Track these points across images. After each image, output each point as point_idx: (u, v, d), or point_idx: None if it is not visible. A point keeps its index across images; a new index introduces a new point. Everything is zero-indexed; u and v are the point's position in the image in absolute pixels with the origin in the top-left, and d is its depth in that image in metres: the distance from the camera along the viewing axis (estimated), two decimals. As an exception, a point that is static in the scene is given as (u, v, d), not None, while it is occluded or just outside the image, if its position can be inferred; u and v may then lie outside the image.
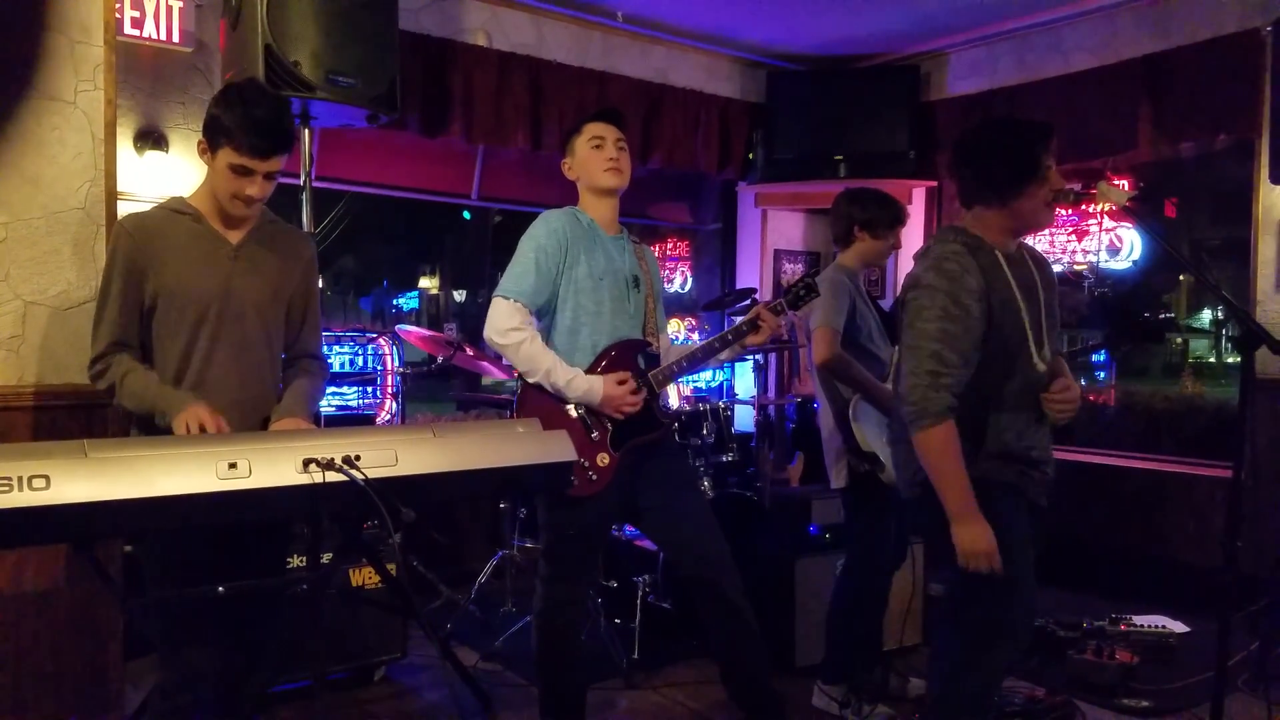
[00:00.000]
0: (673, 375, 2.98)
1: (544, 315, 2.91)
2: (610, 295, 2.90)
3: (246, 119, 2.33)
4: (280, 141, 2.39)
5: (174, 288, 2.41)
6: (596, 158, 2.93)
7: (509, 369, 4.80)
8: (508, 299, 2.82)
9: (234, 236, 2.50)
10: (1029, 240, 2.73)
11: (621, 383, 2.84)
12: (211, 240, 2.47)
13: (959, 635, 2.54)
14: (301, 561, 3.36)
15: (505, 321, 2.81)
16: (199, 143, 2.43)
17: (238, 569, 2.32)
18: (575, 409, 2.84)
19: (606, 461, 2.84)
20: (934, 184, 6.07)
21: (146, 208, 2.58)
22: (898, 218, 3.56)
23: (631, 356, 2.94)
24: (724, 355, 3.07)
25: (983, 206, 2.51)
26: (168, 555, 2.35)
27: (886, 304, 3.81)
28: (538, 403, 2.84)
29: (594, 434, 2.84)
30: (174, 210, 2.48)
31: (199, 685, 2.35)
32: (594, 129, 2.96)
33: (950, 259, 2.42)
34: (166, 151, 4.16)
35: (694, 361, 3.00)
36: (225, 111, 2.35)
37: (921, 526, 2.71)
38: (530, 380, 2.85)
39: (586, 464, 2.80)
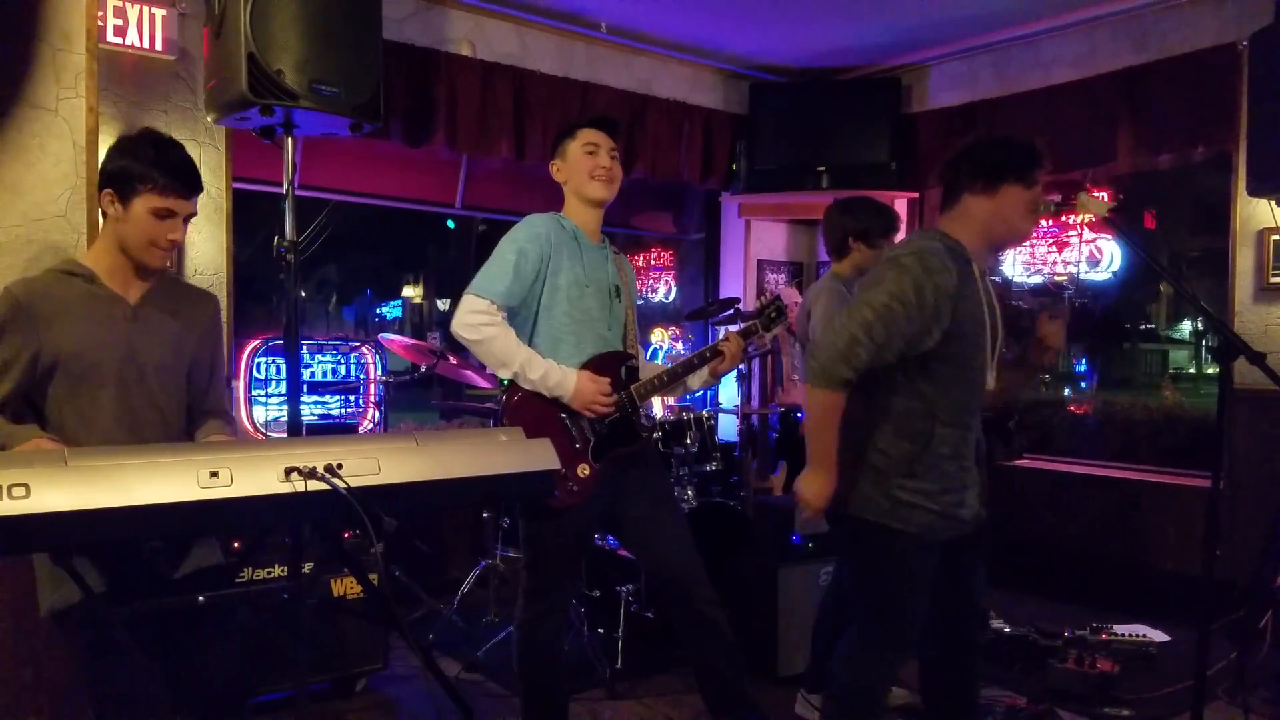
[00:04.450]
0: (653, 390, 2.97)
1: (524, 322, 2.88)
2: (595, 305, 2.89)
3: (163, 162, 2.30)
4: (198, 181, 2.39)
5: (70, 351, 2.32)
6: (588, 163, 2.91)
7: (493, 378, 4.79)
8: (480, 297, 2.78)
9: (132, 296, 2.42)
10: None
11: (596, 382, 2.83)
12: (107, 301, 2.39)
13: (858, 636, 2.60)
14: (282, 571, 3.34)
15: (476, 316, 2.77)
16: (104, 195, 2.34)
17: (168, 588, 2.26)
18: (562, 419, 2.83)
19: (587, 473, 2.83)
20: (915, 195, 6.10)
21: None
22: (891, 225, 3.55)
23: (615, 368, 2.94)
24: (695, 384, 3.07)
25: (970, 194, 2.49)
26: (99, 570, 2.24)
27: None
28: (524, 411, 2.82)
29: (576, 444, 2.84)
30: (65, 272, 2.39)
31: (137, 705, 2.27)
32: (589, 134, 2.94)
33: (935, 255, 2.40)
34: (148, 159, 4.14)
35: (673, 377, 2.99)
36: (135, 160, 2.30)
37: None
38: (503, 375, 2.83)
39: (567, 474, 2.79)
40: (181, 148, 2.41)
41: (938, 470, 2.45)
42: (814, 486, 2.47)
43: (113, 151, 2.37)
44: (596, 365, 2.89)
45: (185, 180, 2.34)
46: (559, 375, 2.79)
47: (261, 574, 3.36)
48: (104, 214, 2.38)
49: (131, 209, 2.32)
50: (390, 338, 4.94)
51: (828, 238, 3.63)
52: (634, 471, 2.94)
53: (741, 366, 5.00)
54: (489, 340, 2.77)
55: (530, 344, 2.86)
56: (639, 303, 3.20)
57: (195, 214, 2.43)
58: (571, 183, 2.96)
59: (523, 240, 2.83)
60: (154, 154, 2.31)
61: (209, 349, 2.60)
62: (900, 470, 2.45)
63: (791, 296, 3.14)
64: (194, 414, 2.57)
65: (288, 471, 1.98)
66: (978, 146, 2.53)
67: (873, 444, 2.49)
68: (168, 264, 2.45)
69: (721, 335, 3.07)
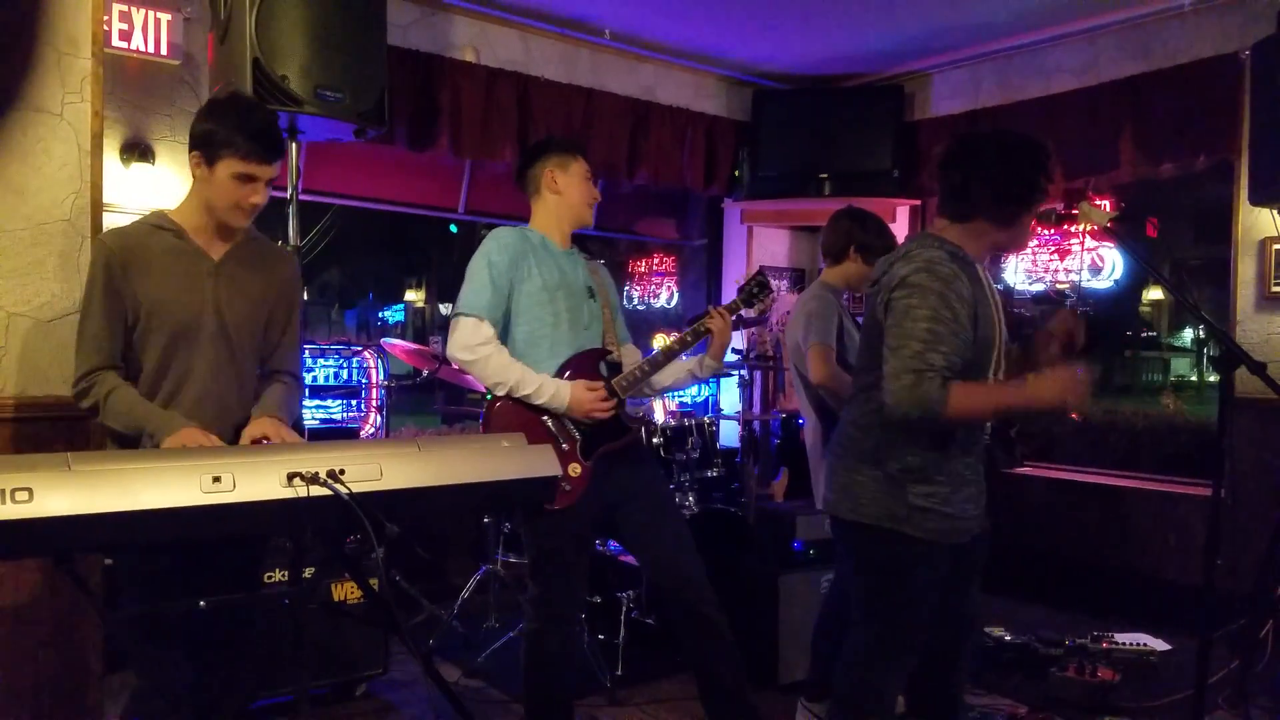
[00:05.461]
0: (635, 381, 2.99)
1: (501, 328, 2.91)
2: (566, 307, 2.93)
3: (247, 127, 2.37)
4: (281, 146, 2.46)
5: (154, 304, 2.40)
6: (588, 192, 3.03)
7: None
8: (470, 315, 2.84)
9: (215, 253, 2.50)
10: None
11: (592, 389, 2.86)
12: (192, 257, 2.46)
13: (863, 641, 2.57)
14: (283, 576, 3.34)
15: (471, 337, 2.83)
16: (192, 156, 2.43)
17: (211, 582, 2.29)
18: (545, 421, 2.85)
19: (579, 471, 2.85)
20: (917, 202, 6.12)
21: (130, 220, 2.58)
22: (890, 249, 3.58)
23: (593, 365, 2.96)
24: (703, 373, 3.10)
25: (984, 220, 2.44)
26: (141, 567, 2.33)
27: None
28: (506, 417, 2.85)
29: (564, 445, 2.85)
30: (155, 226, 2.47)
31: (173, 698, 2.33)
32: (585, 164, 3.05)
33: (941, 264, 2.35)
34: (153, 164, 4.15)
35: (654, 366, 3.02)
36: (221, 123, 2.37)
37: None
38: (499, 393, 2.86)
39: (559, 475, 2.80)
40: (266, 112, 2.49)
41: (951, 472, 2.43)
42: (1050, 391, 2.32)
43: (200, 113, 2.46)
44: (575, 364, 2.92)
45: (267, 145, 2.40)
46: (553, 389, 2.83)
47: (263, 578, 3.37)
48: (192, 175, 2.45)
49: (216, 172, 2.39)
50: (392, 342, 4.94)
51: (829, 241, 3.64)
52: (627, 469, 2.95)
53: (744, 372, 5.01)
54: (483, 360, 2.83)
55: (508, 348, 2.89)
56: (640, 308, 3.21)
57: (277, 176, 2.48)
58: (568, 199, 3.02)
59: (493, 253, 2.89)
60: (238, 119, 2.37)
61: (285, 306, 2.65)
62: (917, 477, 2.42)
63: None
64: (264, 372, 2.64)
65: (290, 476, 1.98)
66: (992, 172, 2.41)
67: (888, 451, 2.44)
68: (248, 223, 2.52)
69: (704, 316, 3.12)
